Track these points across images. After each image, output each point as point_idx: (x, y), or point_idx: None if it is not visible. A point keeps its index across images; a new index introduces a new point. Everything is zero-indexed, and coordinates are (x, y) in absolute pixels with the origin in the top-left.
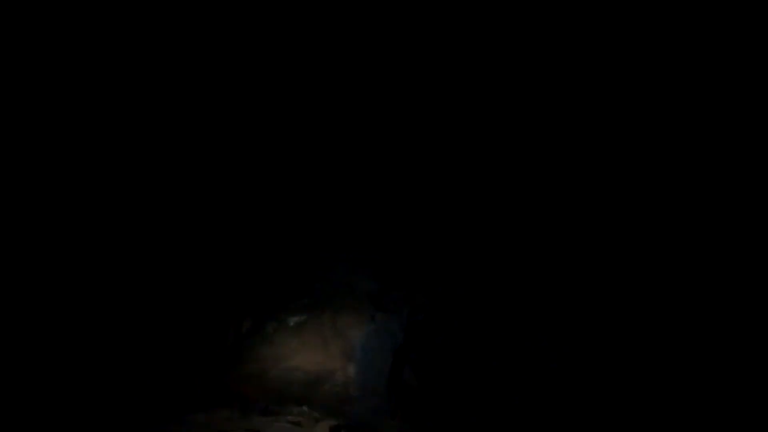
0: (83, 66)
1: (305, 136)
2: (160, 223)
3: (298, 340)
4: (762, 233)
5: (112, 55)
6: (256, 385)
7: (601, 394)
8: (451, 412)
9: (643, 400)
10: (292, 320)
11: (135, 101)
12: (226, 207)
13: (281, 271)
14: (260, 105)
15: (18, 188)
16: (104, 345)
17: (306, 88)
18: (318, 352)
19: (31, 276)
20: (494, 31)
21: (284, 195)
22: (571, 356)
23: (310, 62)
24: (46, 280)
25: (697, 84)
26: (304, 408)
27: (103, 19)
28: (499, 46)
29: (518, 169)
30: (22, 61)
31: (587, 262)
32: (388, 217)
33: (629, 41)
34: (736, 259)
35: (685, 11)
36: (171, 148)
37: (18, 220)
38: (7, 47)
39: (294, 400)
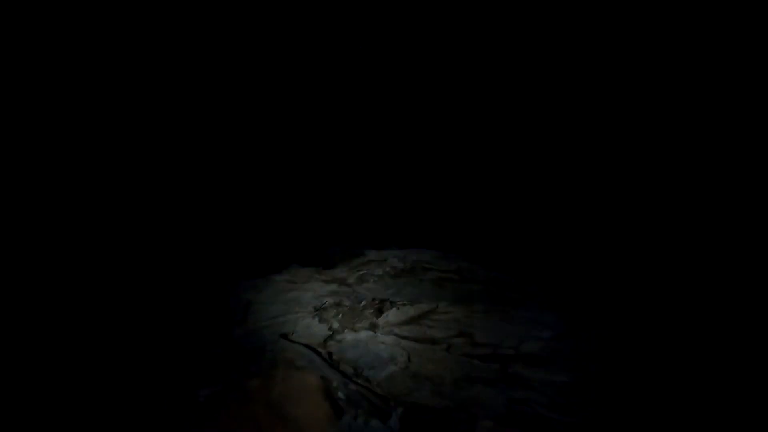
0: (82, 66)
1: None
2: None
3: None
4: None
5: (111, 56)
6: None
7: None
8: None
9: None
10: (202, 393)
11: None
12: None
13: (180, 306)
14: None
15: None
16: None
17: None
18: None
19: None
20: (493, 30)
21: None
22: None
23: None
24: None
25: (696, 84)
26: None
27: (102, 19)
28: (497, 46)
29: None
30: (22, 62)
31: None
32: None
33: (629, 41)
34: (735, 259)
35: (685, 11)
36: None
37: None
38: (7, 47)
39: None
